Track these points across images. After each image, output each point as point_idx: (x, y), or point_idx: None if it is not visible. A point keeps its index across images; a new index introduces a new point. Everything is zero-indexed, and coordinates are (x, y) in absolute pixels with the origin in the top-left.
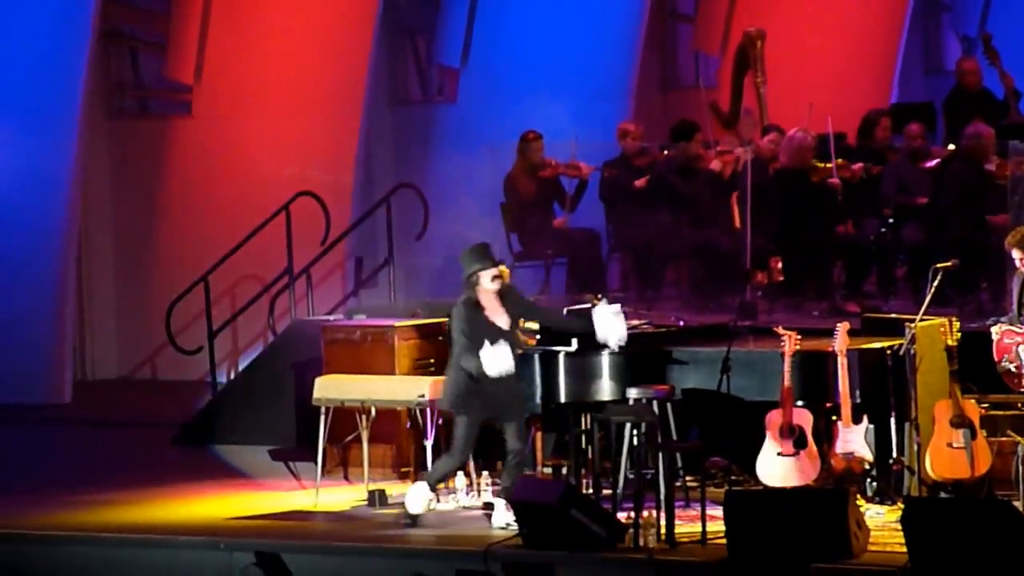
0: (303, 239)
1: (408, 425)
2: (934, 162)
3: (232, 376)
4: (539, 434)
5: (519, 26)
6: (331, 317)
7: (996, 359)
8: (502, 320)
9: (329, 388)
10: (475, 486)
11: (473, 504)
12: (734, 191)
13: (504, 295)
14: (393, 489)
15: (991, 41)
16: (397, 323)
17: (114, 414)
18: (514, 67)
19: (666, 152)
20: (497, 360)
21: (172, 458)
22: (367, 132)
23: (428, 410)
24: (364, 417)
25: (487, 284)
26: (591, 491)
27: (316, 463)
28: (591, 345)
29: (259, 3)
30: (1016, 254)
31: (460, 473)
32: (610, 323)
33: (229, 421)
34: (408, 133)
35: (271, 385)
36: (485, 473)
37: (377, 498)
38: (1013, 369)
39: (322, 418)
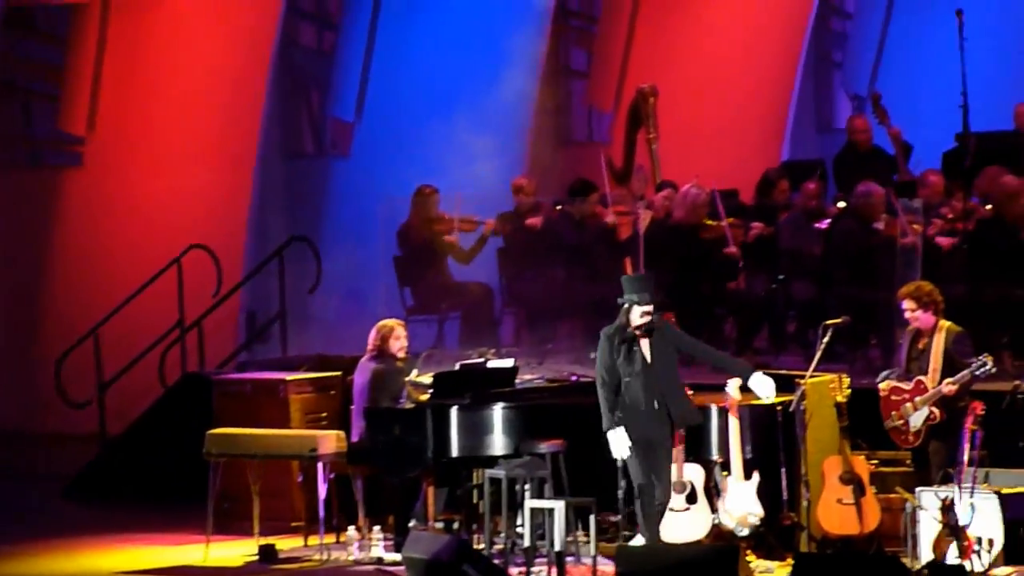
0: (195, 292)
1: (300, 479)
2: (826, 221)
3: (122, 430)
4: (431, 489)
5: (414, 80)
6: (222, 371)
7: (883, 416)
8: (646, 353)
9: (220, 442)
10: (367, 539)
11: (365, 558)
12: (630, 252)
13: (655, 332)
14: (284, 544)
15: (880, 100)
16: (289, 376)
17: (3, 467)
18: (408, 121)
19: (560, 207)
20: (619, 446)
21: (61, 512)
22: (260, 185)
23: (320, 464)
24: (255, 471)
25: (635, 319)
26: (483, 546)
27: (206, 517)
28: (486, 399)
29: (152, 55)
30: (908, 305)
31: (351, 527)
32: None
33: (119, 474)
34: (302, 186)
35: (161, 438)
36: (376, 528)
37: (267, 553)
38: (900, 426)
39: (212, 472)
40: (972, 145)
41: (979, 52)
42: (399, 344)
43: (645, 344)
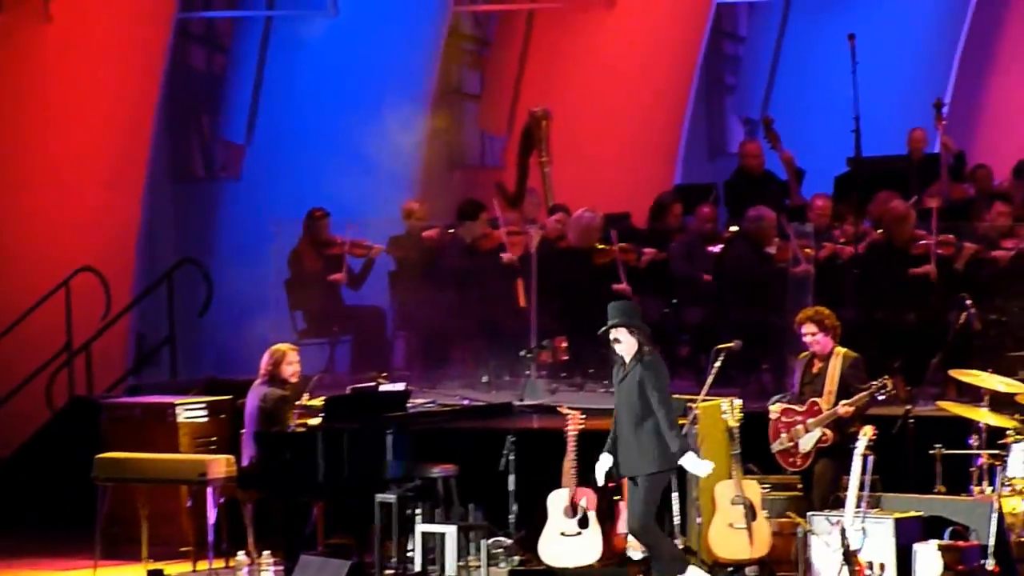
0: (83, 315)
1: (189, 504)
2: (718, 245)
3: (9, 454)
4: (322, 513)
5: (304, 103)
6: (111, 394)
7: (771, 439)
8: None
9: (108, 466)
10: (257, 564)
11: None
12: (520, 272)
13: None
14: (173, 569)
15: (772, 124)
16: (178, 400)
17: None
18: (299, 144)
19: (452, 231)
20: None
21: None
22: (150, 207)
23: (210, 489)
24: (144, 496)
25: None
26: (375, 570)
27: (94, 542)
28: (378, 423)
29: (41, 77)
30: (808, 328)
31: (241, 552)
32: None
33: (6, 499)
34: (192, 209)
35: (49, 463)
36: (266, 553)
37: None
38: (789, 448)
39: (100, 496)
40: (864, 170)
41: (871, 76)
42: (292, 369)
43: (630, 372)
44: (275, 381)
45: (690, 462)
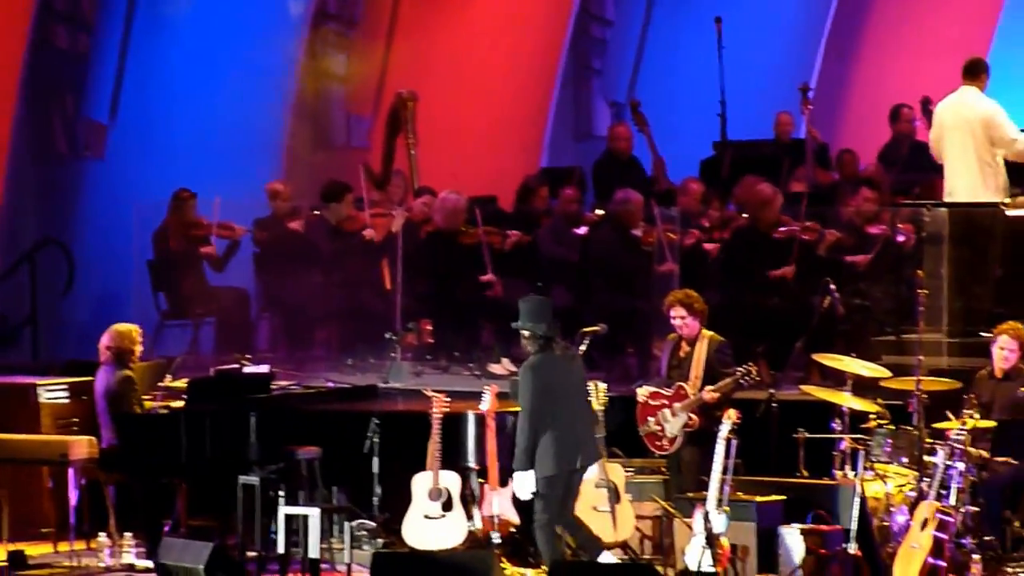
0: None
1: (50, 485)
2: (584, 228)
3: None
4: (184, 494)
5: (169, 83)
6: None
7: (639, 422)
8: None
9: None
10: (118, 546)
11: (116, 564)
12: (385, 254)
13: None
14: (34, 550)
15: (639, 107)
16: (40, 381)
17: None
18: (164, 124)
19: (317, 212)
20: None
21: None
22: (12, 186)
23: (71, 470)
24: (4, 476)
25: None
26: (237, 552)
27: None
28: (241, 404)
29: None
30: (678, 312)
31: (102, 534)
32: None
33: None
34: (54, 188)
35: None
36: (128, 534)
37: (17, 559)
38: (656, 431)
39: None
40: (729, 153)
41: (738, 60)
42: (136, 349)
43: None
44: (120, 362)
45: (520, 481)
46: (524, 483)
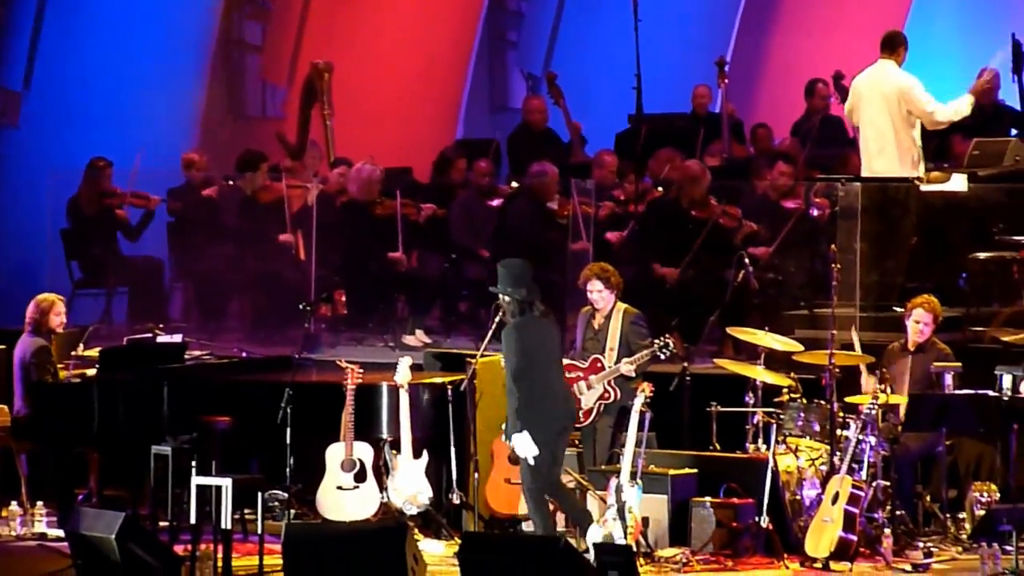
0: None
1: None
2: (499, 200)
3: None
4: (96, 464)
5: (84, 51)
6: None
7: None
8: None
9: None
10: (30, 515)
11: (28, 533)
12: (301, 224)
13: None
14: None
15: (556, 80)
16: None
17: None
18: (79, 92)
19: (231, 182)
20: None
21: None
22: None
23: None
24: None
25: None
26: (149, 522)
27: None
28: (154, 374)
29: None
30: (595, 285)
31: (14, 503)
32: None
33: None
34: None
35: None
36: (40, 503)
37: None
38: None
39: None
40: (645, 127)
41: (654, 34)
42: (58, 320)
43: None
44: (41, 331)
45: (520, 443)
46: (523, 444)
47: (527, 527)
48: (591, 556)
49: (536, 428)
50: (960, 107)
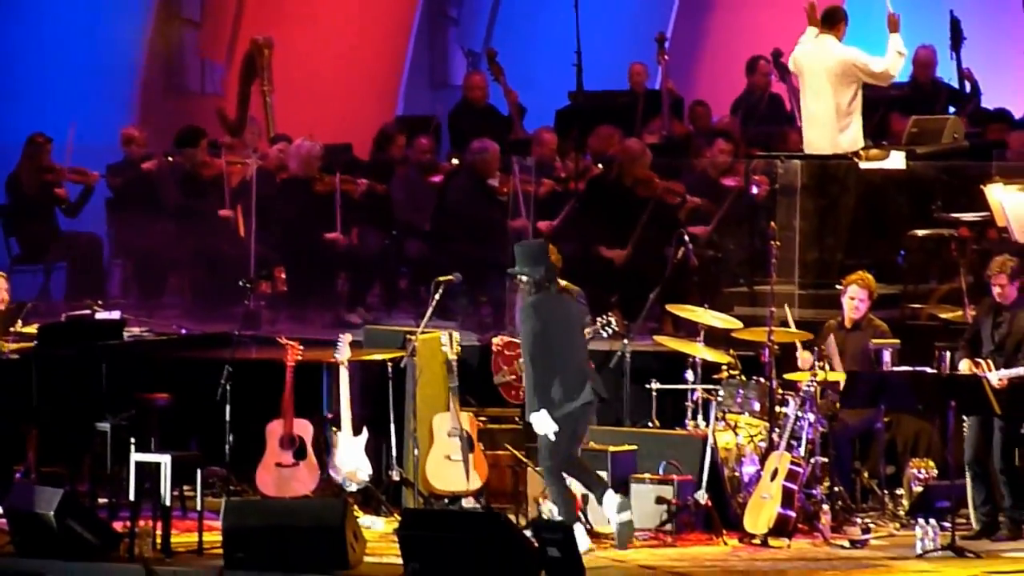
0: None
1: None
2: (439, 176)
3: None
4: (35, 441)
5: (22, 27)
6: None
7: (494, 371)
8: None
9: None
10: None
11: None
12: (239, 200)
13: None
14: None
15: (496, 57)
16: None
17: None
18: (17, 67)
19: (171, 159)
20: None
21: None
22: None
23: None
24: None
25: None
26: (88, 499)
27: None
28: (93, 351)
29: None
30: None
31: None
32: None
33: None
34: None
35: None
36: None
37: None
38: (511, 381)
39: None
40: (585, 104)
41: (594, 10)
42: (1, 296)
43: None
44: None
45: (538, 421)
46: (542, 422)
47: (466, 503)
48: (615, 523)
49: (558, 406)
50: (896, 49)
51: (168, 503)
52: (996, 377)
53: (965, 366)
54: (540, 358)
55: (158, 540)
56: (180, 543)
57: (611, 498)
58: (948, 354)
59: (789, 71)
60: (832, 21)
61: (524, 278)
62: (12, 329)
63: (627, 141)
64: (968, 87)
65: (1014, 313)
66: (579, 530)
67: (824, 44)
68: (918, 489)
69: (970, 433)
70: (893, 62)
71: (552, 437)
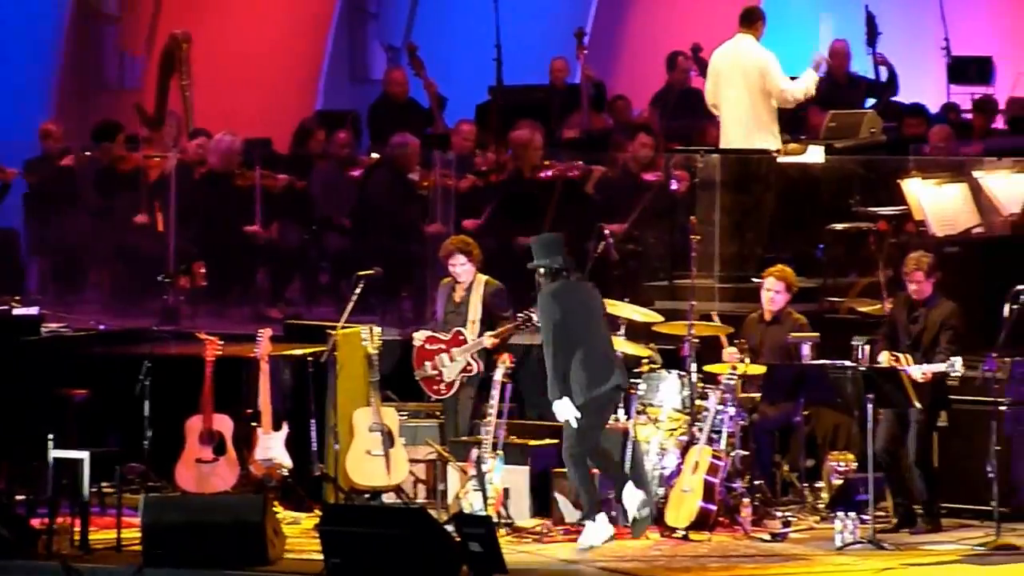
0: None
1: None
2: (359, 171)
3: None
4: None
5: None
6: None
7: (415, 366)
8: None
9: None
10: None
11: None
12: (158, 195)
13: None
14: None
15: (416, 51)
16: None
17: None
18: None
19: (88, 153)
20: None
21: None
22: None
23: None
24: None
25: None
26: (5, 496)
27: None
28: (10, 347)
29: None
30: (456, 259)
31: None
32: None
33: None
34: None
35: None
36: None
37: None
38: (433, 376)
39: None
40: (505, 98)
41: (513, 5)
42: None
43: None
44: None
45: (560, 408)
46: (563, 410)
47: (387, 499)
48: (632, 516)
49: (581, 393)
50: (808, 86)
51: (87, 499)
52: (919, 371)
53: (884, 358)
54: (561, 346)
55: (76, 537)
56: (99, 540)
57: (631, 492)
58: (867, 347)
59: (708, 66)
60: (750, 20)
61: (541, 270)
62: None
63: (513, 132)
64: (884, 74)
65: (929, 309)
66: (602, 519)
67: (741, 43)
68: (838, 482)
69: (883, 425)
70: (797, 92)
71: (574, 424)
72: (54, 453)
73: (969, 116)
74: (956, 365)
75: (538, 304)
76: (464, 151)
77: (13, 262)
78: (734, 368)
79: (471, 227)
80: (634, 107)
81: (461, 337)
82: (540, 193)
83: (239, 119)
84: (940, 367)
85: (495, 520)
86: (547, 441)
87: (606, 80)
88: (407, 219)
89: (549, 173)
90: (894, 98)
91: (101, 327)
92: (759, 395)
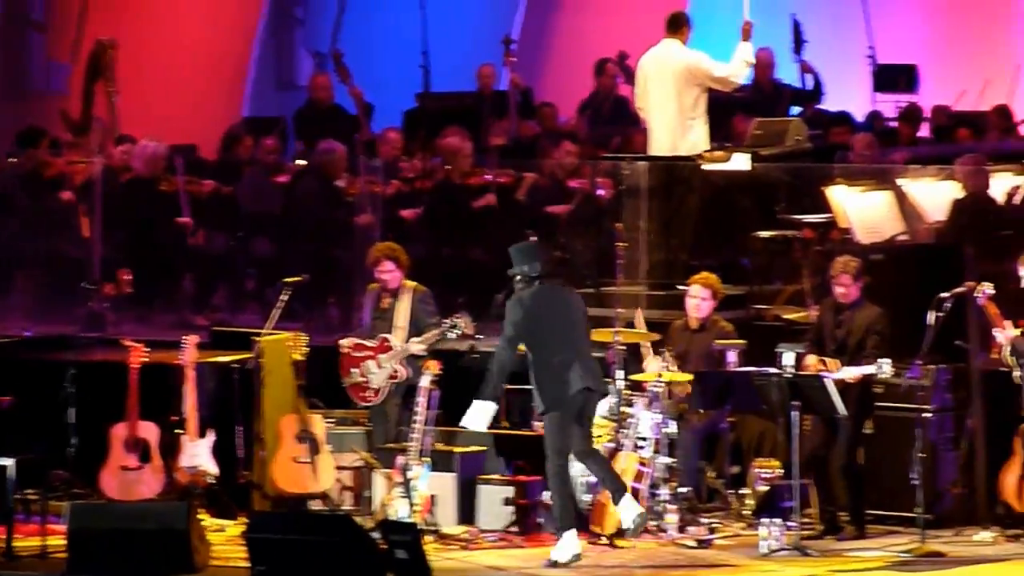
0: None
1: None
2: (286, 177)
3: None
4: None
5: None
6: None
7: (342, 373)
8: None
9: None
10: None
11: None
12: (83, 201)
13: None
14: None
15: (342, 58)
16: None
17: None
18: None
19: (12, 159)
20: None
21: None
22: None
23: None
24: None
25: None
26: None
27: None
28: None
29: None
30: (384, 266)
31: None
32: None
33: None
34: None
35: None
36: None
37: None
38: (360, 382)
39: None
40: (432, 105)
41: (440, 12)
42: None
43: None
44: None
45: (472, 408)
46: (477, 414)
47: (313, 506)
48: (627, 516)
49: (541, 403)
50: (744, 57)
51: (11, 507)
52: (849, 373)
53: (811, 362)
54: (529, 349)
55: (1, 544)
56: (23, 547)
57: (627, 503)
58: (791, 354)
59: (634, 73)
60: (676, 25)
61: (518, 276)
62: None
63: (442, 140)
64: (810, 82)
65: (854, 312)
66: (571, 535)
67: (669, 48)
68: (763, 489)
69: (811, 431)
70: (737, 69)
71: (475, 429)
72: None
73: (895, 124)
74: (884, 367)
75: (506, 309)
76: (390, 158)
77: None
78: (660, 375)
79: (409, 217)
80: (561, 114)
81: (387, 344)
82: (470, 200)
83: (165, 125)
84: (869, 369)
85: (421, 527)
86: (474, 448)
87: (533, 87)
88: (334, 225)
89: (487, 178)
90: (820, 106)
91: (25, 333)
92: (685, 402)
